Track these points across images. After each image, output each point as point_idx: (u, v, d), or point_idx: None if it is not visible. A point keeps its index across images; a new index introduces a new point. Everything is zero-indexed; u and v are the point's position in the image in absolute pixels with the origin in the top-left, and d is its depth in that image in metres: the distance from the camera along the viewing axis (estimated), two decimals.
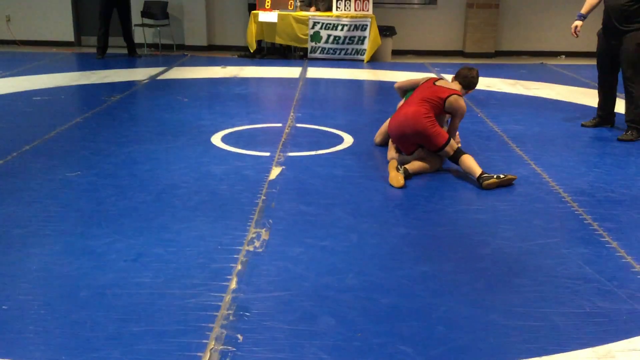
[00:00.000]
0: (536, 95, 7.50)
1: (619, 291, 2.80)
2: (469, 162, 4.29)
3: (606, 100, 5.80)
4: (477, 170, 4.22)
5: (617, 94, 5.82)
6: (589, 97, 7.35)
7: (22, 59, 9.57)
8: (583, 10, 5.73)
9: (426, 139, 4.39)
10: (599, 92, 5.87)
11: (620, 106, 5.87)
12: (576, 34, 5.76)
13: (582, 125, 5.89)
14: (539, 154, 4.89)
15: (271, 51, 10.66)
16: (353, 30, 10.05)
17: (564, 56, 11.13)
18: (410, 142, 4.48)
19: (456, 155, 4.36)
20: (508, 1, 10.95)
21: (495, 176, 4.15)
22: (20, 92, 7.02)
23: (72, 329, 2.41)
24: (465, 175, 4.39)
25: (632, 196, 4.04)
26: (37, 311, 2.54)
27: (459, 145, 4.54)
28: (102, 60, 9.51)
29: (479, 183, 4.16)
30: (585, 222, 3.60)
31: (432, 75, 4.78)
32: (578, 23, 5.72)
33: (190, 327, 2.44)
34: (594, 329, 2.50)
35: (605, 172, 4.57)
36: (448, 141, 4.36)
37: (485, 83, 8.07)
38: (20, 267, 2.92)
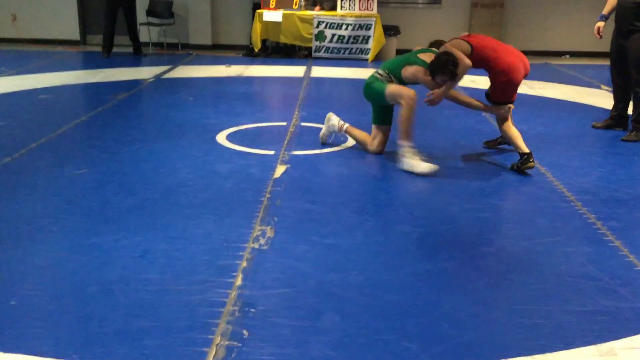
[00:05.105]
0: (540, 95, 7.51)
1: (622, 289, 2.81)
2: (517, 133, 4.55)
3: (618, 102, 5.77)
4: (523, 146, 4.44)
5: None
6: (594, 97, 7.36)
7: (28, 57, 9.61)
8: (604, 11, 5.74)
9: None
10: (613, 95, 5.84)
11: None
12: (599, 34, 5.76)
13: (593, 127, 5.84)
14: (543, 154, 4.90)
15: (276, 50, 10.69)
16: (357, 29, 10.06)
17: (568, 56, 11.13)
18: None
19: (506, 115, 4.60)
20: (513, 1, 10.95)
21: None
22: (27, 91, 7.06)
23: (80, 324, 2.44)
24: (469, 174, 4.41)
25: (635, 196, 4.05)
26: (45, 306, 2.57)
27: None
28: (108, 59, 9.55)
29: (521, 159, 4.40)
30: (588, 221, 3.62)
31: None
32: (600, 24, 5.74)
33: (197, 322, 2.47)
34: (597, 327, 2.51)
35: (609, 171, 4.58)
36: None
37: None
38: (28, 263, 2.95)
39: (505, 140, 4.98)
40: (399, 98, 4.47)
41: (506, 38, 11.04)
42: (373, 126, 4.83)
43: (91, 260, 2.98)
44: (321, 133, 5.05)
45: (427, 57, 4.51)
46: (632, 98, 5.57)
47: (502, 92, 4.60)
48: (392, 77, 4.61)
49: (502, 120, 4.62)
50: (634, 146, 5.27)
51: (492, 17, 10.74)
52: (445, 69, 4.28)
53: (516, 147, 4.51)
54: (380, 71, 4.70)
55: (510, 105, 4.60)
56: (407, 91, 4.47)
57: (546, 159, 4.78)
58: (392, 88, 4.53)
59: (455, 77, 4.35)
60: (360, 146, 4.93)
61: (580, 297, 2.74)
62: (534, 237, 3.38)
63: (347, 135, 4.98)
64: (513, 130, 4.57)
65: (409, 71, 4.54)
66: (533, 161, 4.37)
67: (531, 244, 3.30)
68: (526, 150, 4.42)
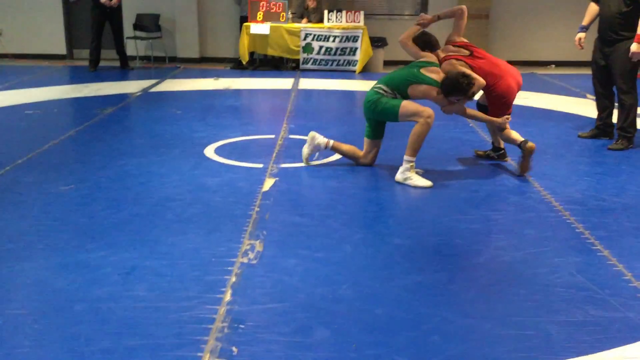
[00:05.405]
0: (527, 104, 7.55)
1: (611, 299, 2.82)
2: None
3: (602, 111, 5.82)
4: (519, 137, 4.65)
5: (616, 104, 5.84)
6: (580, 106, 7.42)
7: (14, 72, 9.57)
8: (584, 22, 5.82)
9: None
10: (596, 104, 5.90)
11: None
12: (580, 45, 5.83)
13: (579, 136, 5.89)
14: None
15: (263, 63, 10.71)
16: (344, 41, 10.10)
17: (554, 65, 11.22)
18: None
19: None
20: (498, 12, 11.04)
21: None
22: (13, 106, 7.02)
23: (66, 344, 2.41)
24: (457, 185, 4.42)
25: (622, 204, 4.08)
26: (31, 326, 2.54)
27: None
28: (95, 73, 9.52)
29: (521, 147, 4.60)
30: (576, 230, 3.63)
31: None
32: (581, 35, 5.81)
33: (185, 340, 2.44)
34: (587, 338, 2.52)
35: (596, 180, 4.61)
36: None
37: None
38: (14, 281, 2.91)
39: (495, 153, 5.04)
40: (417, 116, 4.41)
41: (492, 49, 11.11)
42: (367, 140, 4.78)
43: (78, 277, 2.95)
44: (304, 153, 4.82)
45: (433, 74, 4.48)
46: (617, 106, 5.62)
47: (499, 110, 4.71)
48: (397, 95, 4.52)
49: (501, 130, 4.74)
50: (621, 155, 5.31)
51: (478, 28, 10.81)
52: (467, 92, 4.35)
53: (514, 142, 4.66)
54: (383, 87, 4.56)
55: (508, 116, 4.70)
56: (425, 110, 4.42)
57: (534, 168, 4.80)
58: (408, 105, 4.45)
59: (472, 97, 4.46)
60: (350, 160, 4.92)
61: (569, 308, 2.75)
62: (523, 248, 3.38)
63: (333, 152, 4.92)
64: (510, 131, 4.72)
65: (419, 90, 4.48)
66: (531, 142, 4.58)
67: (520, 254, 3.30)
68: (522, 139, 4.62)
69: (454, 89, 4.34)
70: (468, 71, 4.49)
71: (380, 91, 4.56)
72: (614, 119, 5.79)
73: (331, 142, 4.80)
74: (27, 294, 2.80)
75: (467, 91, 4.35)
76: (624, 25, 5.35)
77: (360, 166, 4.81)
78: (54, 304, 2.71)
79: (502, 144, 5.03)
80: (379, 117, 4.62)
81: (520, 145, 4.60)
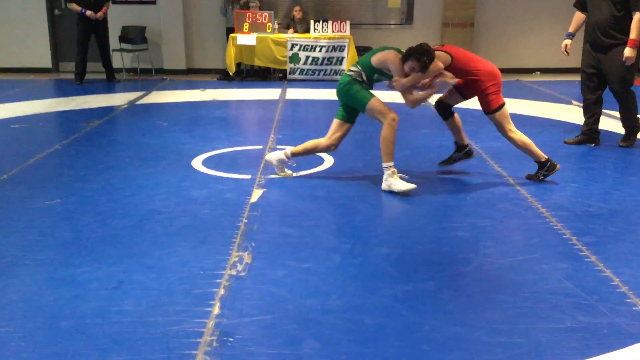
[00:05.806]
0: (513, 112, 7.58)
1: (599, 305, 2.83)
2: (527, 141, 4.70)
3: (589, 117, 5.88)
4: (540, 153, 4.67)
5: (603, 110, 5.91)
6: (565, 113, 7.48)
7: None
8: (571, 29, 5.89)
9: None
10: (583, 110, 5.96)
11: (604, 124, 6.00)
12: (567, 52, 5.89)
13: (565, 142, 5.95)
14: (517, 170, 4.95)
15: (250, 73, 10.72)
16: (331, 51, 10.14)
17: (539, 72, 11.31)
18: None
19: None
20: (483, 20, 11.13)
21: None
22: None
23: None
24: (445, 193, 4.43)
25: (609, 210, 4.10)
26: (17, 343, 2.50)
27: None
28: (81, 86, 9.48)
29: (544, 168, 4.65)
30: (564, 236, 3.65)
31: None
32: (567, 42, 5.87)
33: (174, 354, 2.42)
34: (576, 344, 2.52)
35: (583, 186, 4.64)
36: None
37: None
38: None
39: (460, 153, 4.99)
40: (381, 117, 4.41)
41: None
42: (337, 121, 4.64)
43: (64, 293, 2.92)
44: (279, 175, 4.80)
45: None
46: (619, 109, 5.72)
47: (495, 95, 4.61)
48: (362, 70, 4.46)
49: (503, 130, 4.65)
50: (607, 160, 5.35)
51: (463, 36, 10.90)
52: (421, 56, 4.25)
53: (532, 155, 4.67)
54: (353, 67, 4.54)
55: (452, 76, 4.48)
56: (389, 112, 4.41)
57: (520, 175, 4.83)
58: (376, 103, 4.43)
59: (425, 67, 4.31)
60: (313, 153, 4.84)
61: (558, 314, 2.75)
62: (511, 255, 3.39)
63: (299, 156, 4.83)
64: (524, 139, 4.66)
65: (379, 55, 4.42)
66: (557, 164, 4.65)
67: (508, 261, 3.31)
68: (544, 156, 4.64)
69: (414, 51, 4.29)
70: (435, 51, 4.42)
71: (351, 73, 4.52)
72: (601, 125, 5.87)
73: (287, 151, 4.74)
74: (12, 311, 2.76)
75: (424, 58, 4.24)
76: (617, 30, 5.42)
77: (346, 176, 4.81)
78: (40, 321, 2.68)
79: (466, 141, 4.95)
80: (348, 102, 4.56)
81: (544, 163, 4.63)
